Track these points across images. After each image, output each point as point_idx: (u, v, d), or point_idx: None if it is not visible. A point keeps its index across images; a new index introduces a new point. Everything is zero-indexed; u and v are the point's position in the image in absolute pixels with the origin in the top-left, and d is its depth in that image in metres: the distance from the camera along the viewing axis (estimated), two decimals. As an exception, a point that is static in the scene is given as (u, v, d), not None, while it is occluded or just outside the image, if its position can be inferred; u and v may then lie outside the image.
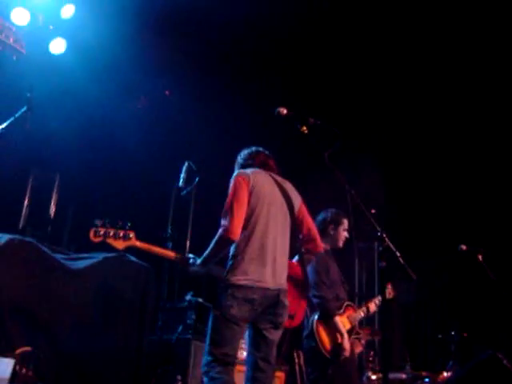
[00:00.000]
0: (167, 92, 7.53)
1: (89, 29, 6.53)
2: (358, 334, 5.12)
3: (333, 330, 4.90)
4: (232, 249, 3.70)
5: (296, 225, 3.96)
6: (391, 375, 6.78)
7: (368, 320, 5.62)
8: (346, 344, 4.84)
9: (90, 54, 6.70)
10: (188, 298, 5.92)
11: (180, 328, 5.58)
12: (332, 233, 5.27)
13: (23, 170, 6.05)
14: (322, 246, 4.08)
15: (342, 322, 5.00)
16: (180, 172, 6.07)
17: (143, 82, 7.20)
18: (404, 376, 6.56)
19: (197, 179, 6.15)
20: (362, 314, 5.20)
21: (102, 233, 3.66)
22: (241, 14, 6.53)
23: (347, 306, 5.13)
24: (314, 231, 4.04)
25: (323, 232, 5.20)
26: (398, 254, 3.28)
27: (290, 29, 6.89)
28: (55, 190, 6.44)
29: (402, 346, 7.35)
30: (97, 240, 3.66)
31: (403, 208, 8.48)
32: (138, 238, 3.78)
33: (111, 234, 3.68)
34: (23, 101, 4.63)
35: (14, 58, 6.26)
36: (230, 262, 3.68)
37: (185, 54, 6.97)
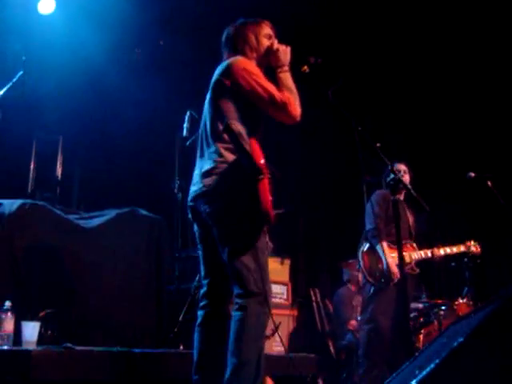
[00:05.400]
0: (161, 42, 7.40)
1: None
2: (413, 270, 5.27)
3: (377, 257, 5.16)
4: None
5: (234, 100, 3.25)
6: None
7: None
8: (393, 268, 5.06)
9: (80, 12, 6.58)
10: (202, 245, 5.97)
11: (197, 276, 5.65)
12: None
13: (26, 135, 6.04)
14: (298, 113, 3.24)
15: (392, 253, 5.17)
16: (183, 122, 6.04)
17: (136, 34, 7.09)
18: (421, 306, 6.65)
19: (200, 128, 6.11)
20: (423, 255, 5.36)
21: None
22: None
23: (404, 243, 5.28)
24: (269, 95, 3.20)
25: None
26: (410, 187, 3.28)
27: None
28: (60, 152, 6.44)
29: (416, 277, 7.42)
30: None
31: (410, 138, 8.44)
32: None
33: None
34: (19, 65, 4.59)
35: None
36: None
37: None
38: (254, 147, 3.14)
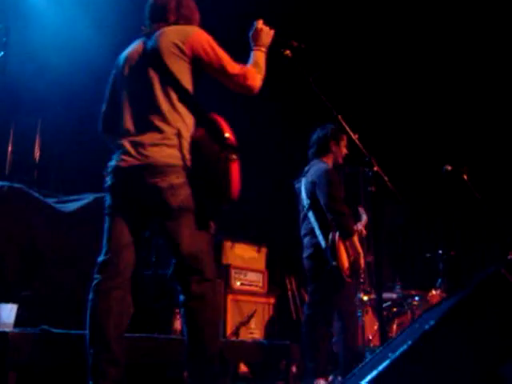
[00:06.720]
0: (142, 27, 7.32)
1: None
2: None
3: (350, 248, 4.85)
4: None
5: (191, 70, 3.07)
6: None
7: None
8: (363, 262, 4.91)
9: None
10: (179, 232, 5.96)
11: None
12: (334, 149, 5.06)
13: (4, 117, 5.98)
14: (257, 84, 3.11)
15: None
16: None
17: (124, 14, 7.02)
18: (395, 296, 6.75)
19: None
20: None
21: None
22: None
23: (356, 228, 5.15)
24: (227, 67, 3.06)
25: (324, 149, 5.05)
26: (386, 179, 3.32)
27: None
28: (38, 135, 6.40)
29: (390, 267, 7.52)
30: None
31: (386, 131, 8.51)
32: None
33: None
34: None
35: None
36: None
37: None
38: (222, 122, 2.99)
